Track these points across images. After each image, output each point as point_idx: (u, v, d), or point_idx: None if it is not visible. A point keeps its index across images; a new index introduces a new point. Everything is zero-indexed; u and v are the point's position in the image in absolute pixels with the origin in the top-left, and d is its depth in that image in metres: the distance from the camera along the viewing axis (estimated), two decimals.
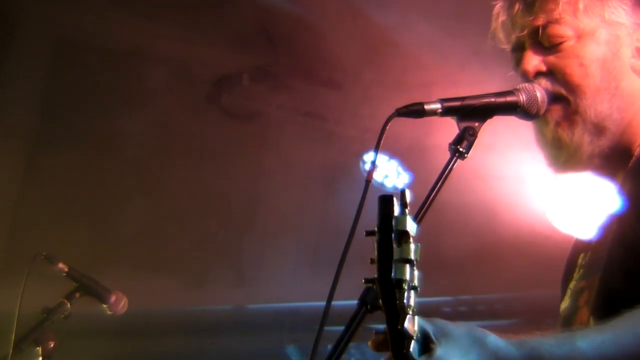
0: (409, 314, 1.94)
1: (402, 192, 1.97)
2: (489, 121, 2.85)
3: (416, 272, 1.96)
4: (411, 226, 1.94)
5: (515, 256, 7.38)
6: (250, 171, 7.83)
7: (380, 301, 1.96)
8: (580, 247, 3.09)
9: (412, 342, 1.97)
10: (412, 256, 1.93)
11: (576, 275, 3.01)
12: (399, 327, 1.94)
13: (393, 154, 7.33)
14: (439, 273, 7.46)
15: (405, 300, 1.93)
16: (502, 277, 7.76)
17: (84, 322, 7.37)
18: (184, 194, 7.90)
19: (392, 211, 1.92)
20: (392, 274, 1.91)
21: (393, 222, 1.92)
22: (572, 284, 3.01)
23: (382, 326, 2.06)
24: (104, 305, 5.39)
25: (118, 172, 7.76)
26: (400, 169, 7.26)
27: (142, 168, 7.76)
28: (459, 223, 7.34)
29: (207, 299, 8.35)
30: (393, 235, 1.92)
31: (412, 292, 1.96)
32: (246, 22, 7.08)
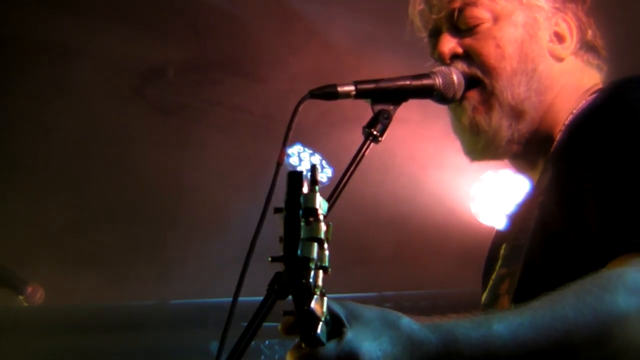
0: (316, 294, 1.85)
1: (313, 168, 1.87)
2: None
3: (326, 252, 1.86)
4: (320, 204, 1.84)
5: (441, 252, 7.40)
6: (175, 165, 7.76)
7: (287, 281, 1.86)
8: (500, 239, 3.05)
9: (321, 323, 1.90)
10: (322, 235, 1.83)
11: (497, 267, 2.96)
12: (305, 307, 1.85)
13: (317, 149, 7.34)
14: (363, 269, 7.47)
15: (311, 280, 1.83)
16: (427, 273, 7.77)
17: (4, 317, 7.30)
18: (108, 188, 7.82)
19: (301, 187, 1.81)
20: (299, 252, 1.80)
21: (301, 199, 1.81)
22: (493, 276, 2.96)
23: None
24: (20, 297, 5.30)
25: (42, 166, 7.66)
26: (324, 162, 7.27)
27: (66, 162, 7.67)
28: (384, 219, 7.34)
29: (130, 295, 8.27)
30: (301, 212, 1.81)
31: (321, 272, 1.86)
32: (173, 14, 7.01)
